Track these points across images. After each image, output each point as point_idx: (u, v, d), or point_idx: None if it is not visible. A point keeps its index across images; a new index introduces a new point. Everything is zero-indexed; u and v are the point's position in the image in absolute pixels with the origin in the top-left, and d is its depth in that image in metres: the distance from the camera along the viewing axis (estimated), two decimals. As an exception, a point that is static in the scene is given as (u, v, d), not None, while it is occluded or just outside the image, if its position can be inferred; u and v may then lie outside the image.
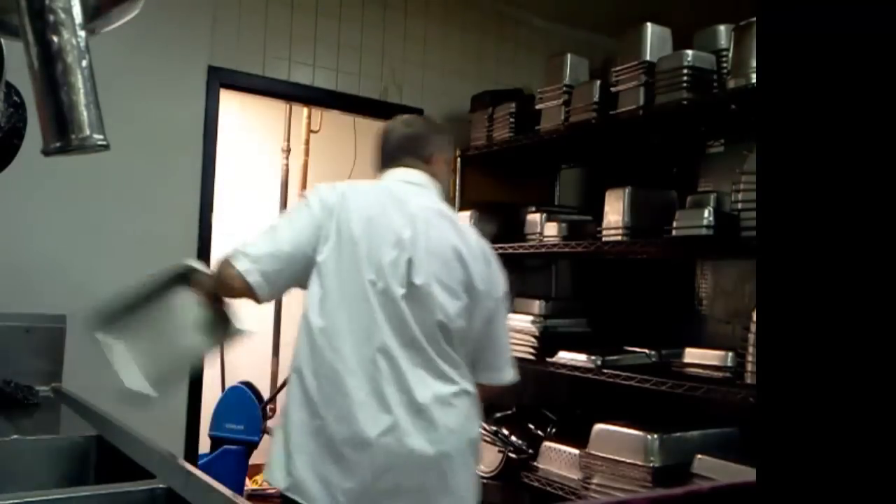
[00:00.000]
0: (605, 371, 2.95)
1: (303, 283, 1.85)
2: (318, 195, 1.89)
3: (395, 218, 1.85)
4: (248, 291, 1.80)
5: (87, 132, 0.87)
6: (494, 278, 1.94)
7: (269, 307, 4.94)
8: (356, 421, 1.73)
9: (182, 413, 3.17)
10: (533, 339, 3.30)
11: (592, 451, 2.83)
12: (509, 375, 2.07)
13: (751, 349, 2.48)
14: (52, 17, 0.86)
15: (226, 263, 1.81)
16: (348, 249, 1.81)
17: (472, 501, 1.87)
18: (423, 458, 1.75)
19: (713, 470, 2.45)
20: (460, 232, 1.93)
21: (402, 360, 1.77)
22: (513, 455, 3.25)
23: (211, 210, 3.26)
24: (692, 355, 2.78)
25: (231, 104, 4.54)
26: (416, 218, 1.87)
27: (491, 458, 3.36)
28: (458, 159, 3.80)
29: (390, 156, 2.06)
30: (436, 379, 1.80)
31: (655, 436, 2.65)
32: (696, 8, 3.31)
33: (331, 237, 1.82)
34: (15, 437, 1.76)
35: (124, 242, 3.05)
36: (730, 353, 2.66)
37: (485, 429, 3.40)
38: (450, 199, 3.77)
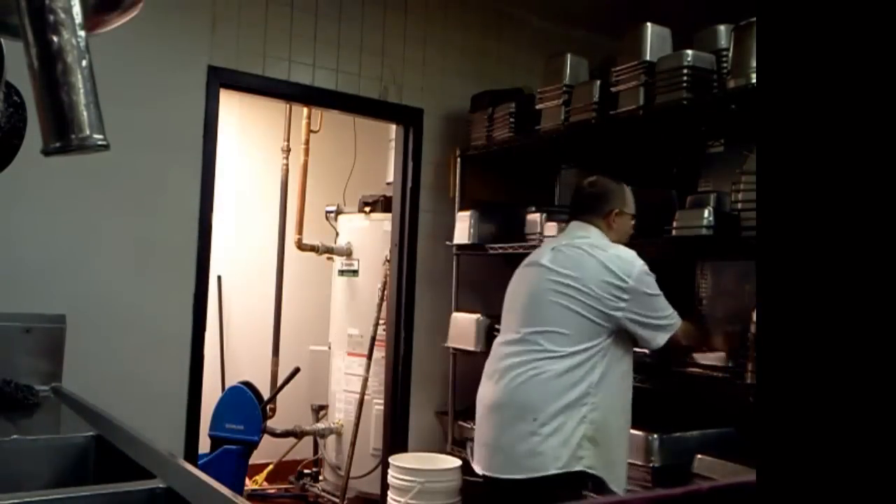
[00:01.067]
0: (605, 371, 2.94)
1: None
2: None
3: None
4: None
5: (87, 132, 0.87)
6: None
7: (270, 307, 4.94)
8: None
9: (182, 413, 3.17)
10: (533, 339, 3.29)
11: (592, 451, 2.82)
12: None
13: (751, 349, 2.48)
14: (51, 17, 0.86)
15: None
16: None
17: None
18: None
19: (713, 470, 2.45)
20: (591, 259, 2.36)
21: None
22: (513, 455, 3.25)
23: (211, 210, 3.26)
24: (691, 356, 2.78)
25: (231, 104, 4.55)
26: (557, 251, 2.43)
27: (491, 458, 3.36)
28: (458, 159, 3.80)
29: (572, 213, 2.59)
30: None
31: (655, 436, 2.65)
32: (696, 8, 3.31)
33: None
34: (15, 436, 1.76)
35: (124, 242, 3.05)
36: (725, 353, 2.66)
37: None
38: (450, 199, 3.78)
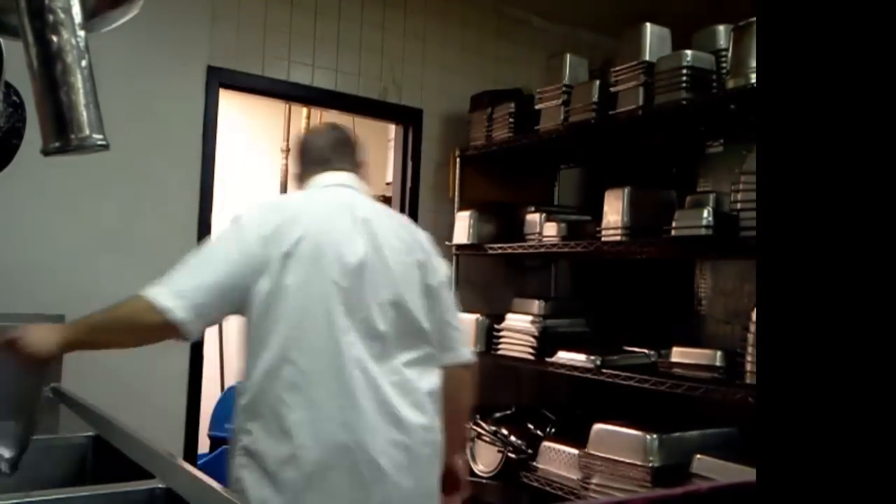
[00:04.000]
0: (605, 371, 2.95)
1: (240, 312, 1.74)
2: (255, 228, 1.74)
3: (348, 228, 1.78)
4: (170, 330, 1.65)
5: (87, 132, 0.87)
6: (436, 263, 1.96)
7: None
8: None
9: (181, 413, 3.17)
10: (532, 339, 3.30)
11: (592, 451, 2.83)
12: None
13: (750, 349, 2.48)
14: (51, 17, 0.86)
15: (138, 303, 1.67)
16: (301, 271, 1.71)
17: None
18: None
19: (712, 470, 2.45)
20: (408, 228, 1.95)
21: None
22: (512, 455, 3.25)
23: (210, 210, 3.26)
24: (681, 354, 2.77)
25: (230, 104, 4.54)
26: (368, 222, 1.81)
27: (490, 458, 3.36)
28: (458, 159, 3.80)
29: (320, 160, 1.96)
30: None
31: (655, 436, 2.65)
32: (696, 8, 3.32)
33: (278, 262, 1.70)
34: (14, 437, 1.75)
35: (123, 242, 3.05)
36: (719, 353, 2.66)
37: (484, 429, 3.40)
38: (450, 199, 3.79)
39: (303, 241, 1.71)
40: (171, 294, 1.66)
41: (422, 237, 1.96)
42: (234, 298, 1.70)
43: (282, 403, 1.67)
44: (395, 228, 1.88)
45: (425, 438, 1.76)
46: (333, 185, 1.90)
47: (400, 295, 1.78)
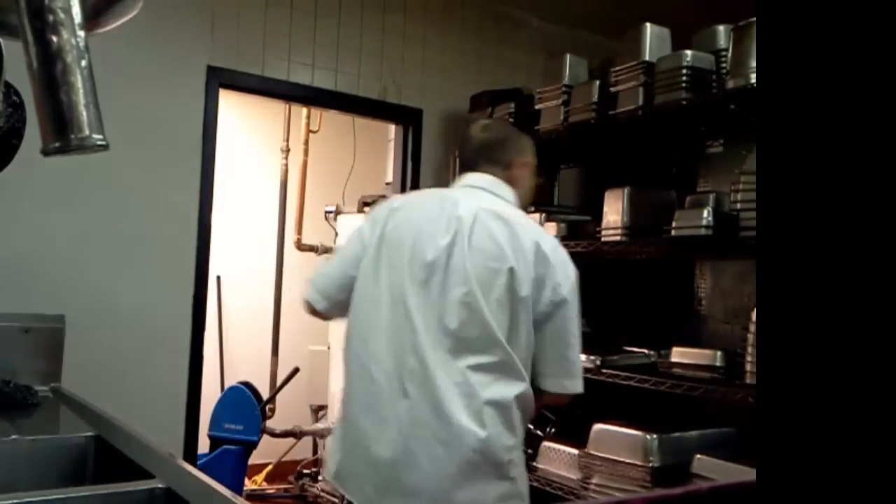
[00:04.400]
0: (605, 371, 2.95)
1: None
2: (371, 216, 1.98)
3: (440, 223, 1.84)
4: (316, 312, 2.03)
5: (87, 132, 0.87)
6: (549, 278, 1.84)
7: (269, 307, 4.94)
8: None
9: (181, 413, 3.17)
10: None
11: (591, 451, 2.83)
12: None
13: (750, 349, 2.48)
14: (51, 17, 0.86)
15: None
16: (387, 256, 1.87)
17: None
18: None
19: (712, 470, 2.45)
20: (519, 236, 1.84)
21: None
22: (512, 455, 3.25)
23: (210, 210, 3.26)
24: (681, 354, 2.77)
25: (230, 104, 4.54)
26: (461, 220, 1.83)
27: (490, 458, 3.35)
28: (458, 159, 3.79)
29: (466, 162, 2.06)
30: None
31: (654, 436, 2.65)
32: (696, 8, 3.32)
33: (371, 248, 1.89)
34: (14, 437, 1.76)
35: (123, 242, 3.05)
36: (719, 353, 2.66)
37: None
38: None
39: (392, 232, 1.88)
40: (312, 285, 2.00)
41: (538, 249, 1.83)
42: (350, 285, 1.93)
43: (346, 381, 1.91)
44: (495, 233, 1.83)
45: (473, 446, 1.74)
46: (463, 185, 2.00)
47: (473, 297, 1.77)
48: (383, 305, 1.83)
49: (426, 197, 2.03)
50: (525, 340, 1.82)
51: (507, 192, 1.98)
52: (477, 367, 1.76)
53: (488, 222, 1.84)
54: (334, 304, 1.99)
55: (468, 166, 2.04)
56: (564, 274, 1.85)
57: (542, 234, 1.91)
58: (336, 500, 4.40)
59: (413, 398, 1.76)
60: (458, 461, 1.73)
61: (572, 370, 1.94)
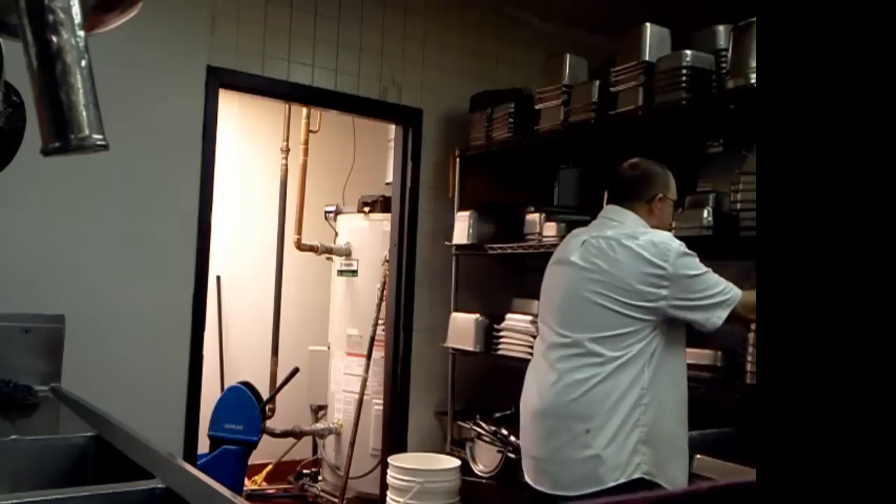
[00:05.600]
0: (605, 371, 2.94)
1: None
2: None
3: (572, 243, 2.34)
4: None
5: (87, 132, 0.87)
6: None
7: (269, 307, 4.94)
8: None
9: (181, 413, 3.17)
10: (532, 339, 3.29)
11: (591, 451, 2.82)
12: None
13: (750, 349, 2.48)
14: (51, 17, 0.86)
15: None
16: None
17: None
18: None
19: (712, 470, 2.45)
20: (615, 249, 2.20)
21: None
22: (512, 455, 3.25)
23: (210, 210, 3.26)
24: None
25: (230, 104, 4.55)
26: (581, 242, 2.28)
27: (490, 458, 3.36)
28: (458, 159, 3.80)
29: (608, 198, 2.44)
30: None
31: (654, 436, 2.64)
32: (696, 8, 3.32)
33: None
34: (14, 437, 1.76)
35: (123, 242, 3.05)
36: (719, 353, 2.66)
37: (484, 429, 3.40)
38: (450, 199, 3.79)
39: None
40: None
41: (636, 258, 2.16)
42: None
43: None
44: (594, 249, 2.23)
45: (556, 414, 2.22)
46: (601, 215, 2.37)
47: (563, 303, 2.28)
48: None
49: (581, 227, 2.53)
50: None
51: (635, 220, 2.30)
52: (561, 358, 2.30)
53: (595, 241, 2.27)
54: None
55: (609, 200, 2.42)
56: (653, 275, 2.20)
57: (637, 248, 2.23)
58: (336, 500, 4.40)
59: (531, 382, 2.44)
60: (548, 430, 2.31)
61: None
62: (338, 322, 4.68)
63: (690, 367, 2.71)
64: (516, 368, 3.70)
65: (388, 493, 3.56)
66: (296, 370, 4.27)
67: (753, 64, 2.49)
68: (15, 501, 1.26)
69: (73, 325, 2.70)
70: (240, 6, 3.35)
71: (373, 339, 4.31)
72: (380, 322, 4.27)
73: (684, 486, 2.17)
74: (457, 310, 3.72)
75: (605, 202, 2.46)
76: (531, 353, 3.28)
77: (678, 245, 2.16)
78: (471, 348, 3.54)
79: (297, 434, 4.59)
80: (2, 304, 2.62)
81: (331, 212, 4.87)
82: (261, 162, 5.19)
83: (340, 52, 3.63)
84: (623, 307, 2.13)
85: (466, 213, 3.68)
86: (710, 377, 2.63)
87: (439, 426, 3.87)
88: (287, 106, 4.86)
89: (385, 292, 4.13)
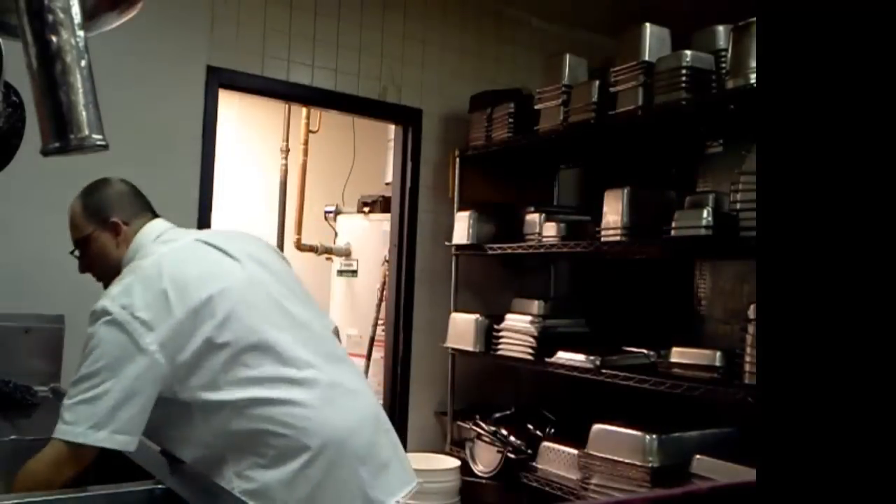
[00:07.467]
0: (604, 371, 2.95)
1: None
2: (122, 324, 1.49)
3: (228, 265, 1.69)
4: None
5: (86, 132, 0.87)
6: None
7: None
8: None
9: (181, 413, 3.17)
10: (531, 339, 3.29)
11: (591, 452, 2.83)
12: None
13: (749, 349, 2.48)
14: (50, 17, 0.86)
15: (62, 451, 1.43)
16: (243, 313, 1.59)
17: None
18: None
19: (712, 470, 2.45)
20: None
21: None
22: (512, 455, 3.25)
23: (210, 210, 3.26)
24: (680, 354, 2.77)
25: (230, 104, 4.54)
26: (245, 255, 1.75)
27: (490, 458, 3.36)
28: (457, 159, 3.80)
29: (142, 206, 1.90)
30: None
31: (654, 436, 2.65)
32: (696, 8, 3.32)
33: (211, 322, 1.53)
34: (14, 437, 1.76)
35: (123, 242, 3.04)
36: (718, 353, 2.66)
37: (484, 429, 3.40)
38: (450, 199, 3.80)
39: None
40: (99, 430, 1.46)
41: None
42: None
43: None
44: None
45: None
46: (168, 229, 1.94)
47: None
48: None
49: (194, 257, 1.77)
50: None
51: None
52: None
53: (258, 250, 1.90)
54: None
55: (144, 210, 1.94)
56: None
57: None
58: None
59: None
60: None
61: None
62: (337, 322, 4.67)
63: (690, 367, 2.73)
64: (516, 368, 3.71)
65: (388, 493, 3.55)
66: (295, 370, 4.26)
67: (753, 64, 2.49)
68: (15, 501, 1.26)
69: (73, 326, 2.70)
70: (240, 6, 3.35)
71: (373, 340, 4.31)
72: (379, 322, 4.27)
73: None
74: (457, 310, 3.72)
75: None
76: (531, 354, 3.30)
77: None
78: (471, 348, 3.54)
79: (296, 434, 4.58)
80: (2, 304, 2.61)
81: (330, 212, 4.87)
82: (260, 162, 5.19)
83: (340, 52, 3.63)
84: None
85: (466, 214, 3.68)
86: (709, 377, 2.63)
87: (439, 426, 3.87)
88: (287, 106, 4.86)
89: (385, 292, 4.13)
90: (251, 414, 1.51)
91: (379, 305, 4.29)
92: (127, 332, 1.47)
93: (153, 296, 1.51)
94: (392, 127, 4.04)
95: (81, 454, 1.43)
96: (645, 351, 3.09)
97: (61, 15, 0.86)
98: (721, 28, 2.82)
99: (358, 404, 1.67)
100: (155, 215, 1.86)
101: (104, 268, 1.78)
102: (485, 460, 3.39)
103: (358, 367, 1.85)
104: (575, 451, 2.96)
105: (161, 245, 1.72)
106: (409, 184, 3.85)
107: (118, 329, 1.47)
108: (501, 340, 3.44)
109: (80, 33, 0.87)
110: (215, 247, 1.72)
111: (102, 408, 1.43)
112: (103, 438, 1.42)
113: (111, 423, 1.42)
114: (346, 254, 4.62)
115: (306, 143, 4.99)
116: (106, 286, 1.68)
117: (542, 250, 3.39)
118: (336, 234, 4.80)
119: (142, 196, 1.87)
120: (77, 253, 1.82)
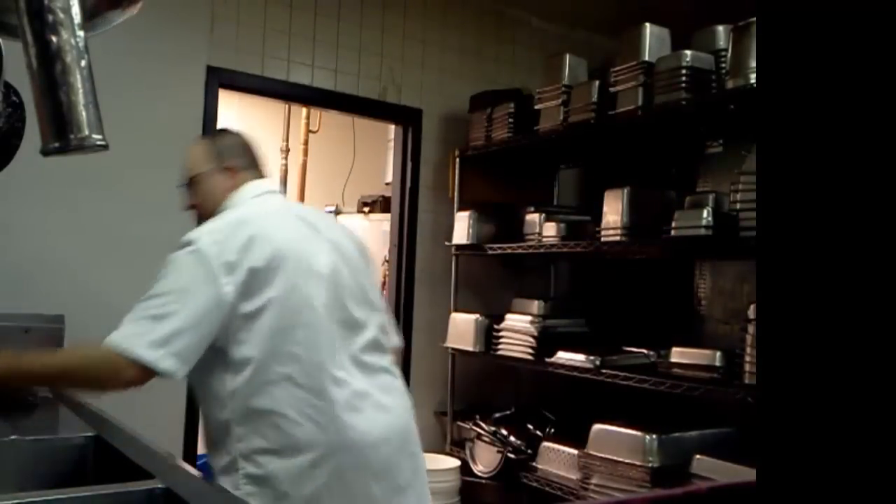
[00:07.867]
0: (604, 371, 2.95)
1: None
2: (207, 257, 1.58)
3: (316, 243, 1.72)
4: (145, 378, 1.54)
5: (86, 132, 0.87)
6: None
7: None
8: None
9: (181, 413, 3.17)
10: (531, 339, 3.30)
11: (591, 452, 2.83)
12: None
13: (749, 349, 2.48)
14: (50, 17, 0.86)
15: (112, 360, 1.53)
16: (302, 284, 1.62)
17: None
18: None
19: (712, 470, 2.45)
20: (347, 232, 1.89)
21: None
22: (512, 455, 3.25)
23: (210, 210, 3.25)
24: (680, 354, 2.77)
25: (230, 104, 4.54)
26: (330, 240, 1.76)
27: (490, 458, 3.36)
28: (457, 159, 3.80)
29: (252, 162, 1.88)
30: None
31: (654, 436, 2.65)
32: (696, 8, 3.32)
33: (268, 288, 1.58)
34: (13, 437, 1.76)
35: (123, 242, 3.04)
36: (718, 353, 2.66)
37: (484, 429, 3.40)
38: (449, 199, 3.80)
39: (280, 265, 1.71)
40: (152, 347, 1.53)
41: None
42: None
43: None
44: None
45: None
46: (267, 192, 1.91)
47: None
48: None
49: (277, 219, 1.81)
50: None
51: None
52: None
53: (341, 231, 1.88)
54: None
55: (253, 166, 1.89)
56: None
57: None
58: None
59: None
60: None
61: None
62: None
63: (690, 367, 2.73)
64: (516, 368, 3.71)
65: (388, 493, 3.55)
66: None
67: (753, 64, 2.49)
68: (15, 502, 1.26)
69: (73, 325, 2.70)
70: (240, 6, 3.35)
71: (372, 339, 4.30)
72: (379, 322, 4.27)
73: None
74: (457, 310, 3.72)
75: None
76: (531, 354, 3.30)
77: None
78: (471, 348, 3.54)
79: (296, 434, 4.58)
80: (2, 304, 2.61)
81: (330, 212, 4.87)
82: (260, 162, 5.19)
83: (340, 53, 3.63)
84: None
85: (466, 214, 3.68)
86: (709, 377, 2.63)
87: (439, 426, 3.87)
88: (287, 106, 4.86)
89: (385, 292, 4.13)
90: (277, 391, 1.54)
91: (379, 305, 4.29)
92: (207, 266, 1.55)
93: (241, 242, 1.57)
94: (392, 127, 4.04)
95: (128, 374, 1.50)
96: (645, 351, 3.09)
97: (61, 15, 0.86)
98: (721, 28, 2.82)
99: (384, 420, 1.67)
100: (261, 174, 1.89)
101: (206, 206, 1.83)
102: (485, 460, 3.39)
103: (400, 385, 1.79)
104: (575, 451, 2.96)
105: (260, 202, 1.79)
106: (409, 184, 3.85)
107: (200, 261, 1.56)
108: (501, 340, 3.44)
109: (80, 33, 0.87)
110: (307, 222, 1.77)
111: (166, 328, 1.50)
112: (157, 358, 1.47)
113: (168, 346, 1.48)
114: (346, 254, 4.62)
115: (306, 143, 4.99)
116: (200, 224, 1.76)
117: (542, 250, 3.39)
118: (336, 234, 4.79)
119: (256, 152, 1.92)
120: (184, 187, 1.87)
